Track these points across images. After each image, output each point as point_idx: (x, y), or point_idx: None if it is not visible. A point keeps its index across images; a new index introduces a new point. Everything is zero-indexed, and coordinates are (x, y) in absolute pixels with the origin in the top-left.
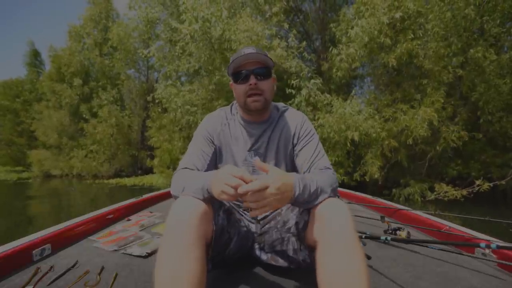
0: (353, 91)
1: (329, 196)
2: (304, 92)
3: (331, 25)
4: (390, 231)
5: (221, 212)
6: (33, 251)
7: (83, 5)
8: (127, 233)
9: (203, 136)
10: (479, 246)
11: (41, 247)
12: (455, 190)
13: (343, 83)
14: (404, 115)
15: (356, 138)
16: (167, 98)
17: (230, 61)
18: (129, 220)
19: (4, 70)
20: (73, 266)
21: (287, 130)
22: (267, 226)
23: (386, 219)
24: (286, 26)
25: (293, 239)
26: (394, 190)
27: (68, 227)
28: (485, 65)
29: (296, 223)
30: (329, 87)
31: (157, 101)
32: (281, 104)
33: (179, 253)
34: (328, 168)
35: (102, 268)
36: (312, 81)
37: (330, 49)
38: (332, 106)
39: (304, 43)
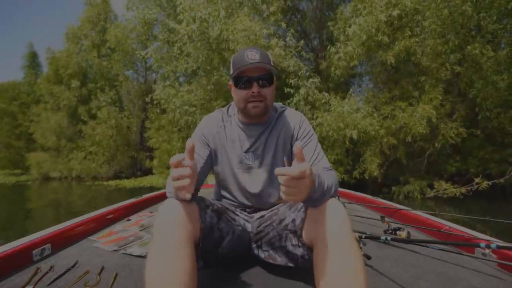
0: (351, 89)
1: (331, 196)
2: (302, 91)
3: (329, 23)
4: (390, 231)
5: (208, 211)
6: (33, 251)
7: (83, 6)
8: (127, 233)
9: (199, 138)
10: (479, 246)
11: (41, 247)
12: (454, 188)
13: (341, 81)
14: (402, 113)
15: (355, 136)
16: (166, 98)
17: (232, 63)
18: (129, 220)
19: (4, 71)
20: (73, 266)
21: (285, 131)
22: (263, 225)
23: (386, 219)
24: (283, 25)
25: (290, 235)
26: (393, 188)
27: (68, 227)
28: (483, 61)
29: (293, 220)
30: (327, 85)
31: (155, 102)
32: (279, 104)
33: (168, 253)
34: (329, 169)
35: (102, 268)
36: (310, 80)
37: (328, 47)
38: (330, 105)
39: (302, 42)
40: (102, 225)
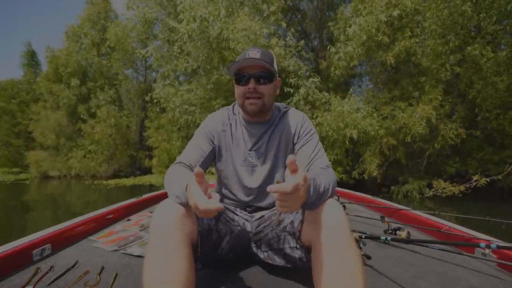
0: (351, 90)
1: (329, 197)
2: (302, 90)
3: (329, 23)
4: (390, 231)
5: None
6: (33, 251)
7: (84, 6)
8: (127, 233)
9: (203, 134)
10: (479, 246)
11: (41, 247)
12: (453, 186)
13: (341, 81)
14: (402, 113)
15: (355, 136)
16: (165, 98)
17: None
18: (129, 220)
19: (4, 71)
20: (73, 266)
21: (287, 130)
22: (262, 225)
23: (386, 219)
24: (284, 25)
25: (289, 237)
26: (392, 187)
27: (68, 227)
28: (482, 62)
29: (292, 222)
30: (327, 85)
31: (155, 101)
32: (282, 105)
33: (165, 253)
34: (328, 167)
35: (102, 268)
36: (310, 79)
37: (328, 47)
38: (330, 105)
39: (302, 41)
40: (102, 225)
